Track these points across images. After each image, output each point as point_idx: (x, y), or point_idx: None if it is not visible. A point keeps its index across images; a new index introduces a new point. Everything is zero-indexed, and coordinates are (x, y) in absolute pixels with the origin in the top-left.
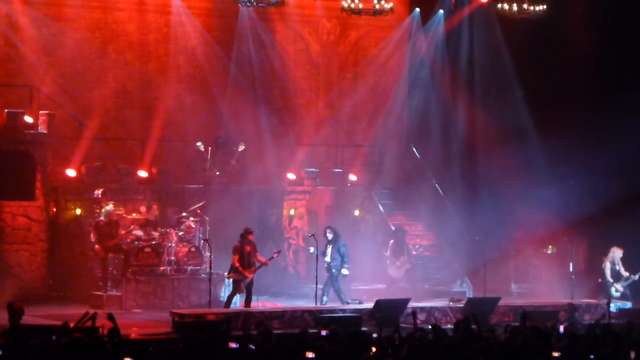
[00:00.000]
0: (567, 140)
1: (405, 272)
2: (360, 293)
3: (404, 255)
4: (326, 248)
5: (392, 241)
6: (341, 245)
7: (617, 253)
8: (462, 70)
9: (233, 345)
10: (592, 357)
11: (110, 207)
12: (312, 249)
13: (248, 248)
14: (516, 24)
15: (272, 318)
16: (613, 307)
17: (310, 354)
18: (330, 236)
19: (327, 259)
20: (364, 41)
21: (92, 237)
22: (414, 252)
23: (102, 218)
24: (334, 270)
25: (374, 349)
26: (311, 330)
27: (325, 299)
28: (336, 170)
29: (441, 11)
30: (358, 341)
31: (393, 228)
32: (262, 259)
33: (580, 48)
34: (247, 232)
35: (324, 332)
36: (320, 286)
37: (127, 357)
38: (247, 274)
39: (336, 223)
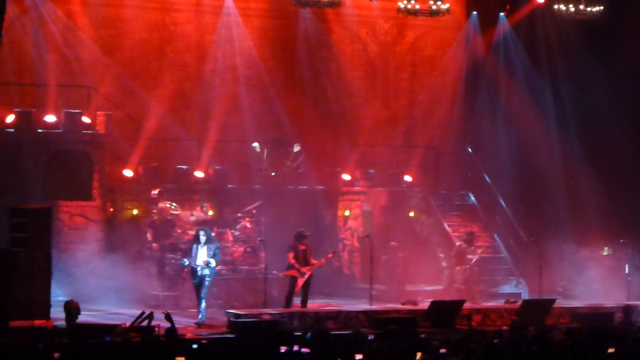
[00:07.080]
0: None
1: (467, 277)
2: (415, 294)
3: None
4: (197, 250)
5: (461, 244)
6: (216, 248)
7: None
8: (519, 72)
9: (283, 349)
10: None
11: (162, 204)
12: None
13: (303, 247)
14: (573, 25)
15: (326, 318)
16: None
17: (359, 356)
18: (203, 239)
19: (199, 262)
20: (421, 42)
21: (149, 236)
22: (475, 256)
23: (156, 217)
24: (207, 277)
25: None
26: (365, 331)
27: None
28: (392, 171)
29: (502, 14)
30: (413, 343)
31: (457, 242)
32: (316, 261)
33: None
34: (300, 236)
35: (370, 336)
36: (379, 286)
37: (180, 357)
38: (303, 270)
39: (391, 224)
